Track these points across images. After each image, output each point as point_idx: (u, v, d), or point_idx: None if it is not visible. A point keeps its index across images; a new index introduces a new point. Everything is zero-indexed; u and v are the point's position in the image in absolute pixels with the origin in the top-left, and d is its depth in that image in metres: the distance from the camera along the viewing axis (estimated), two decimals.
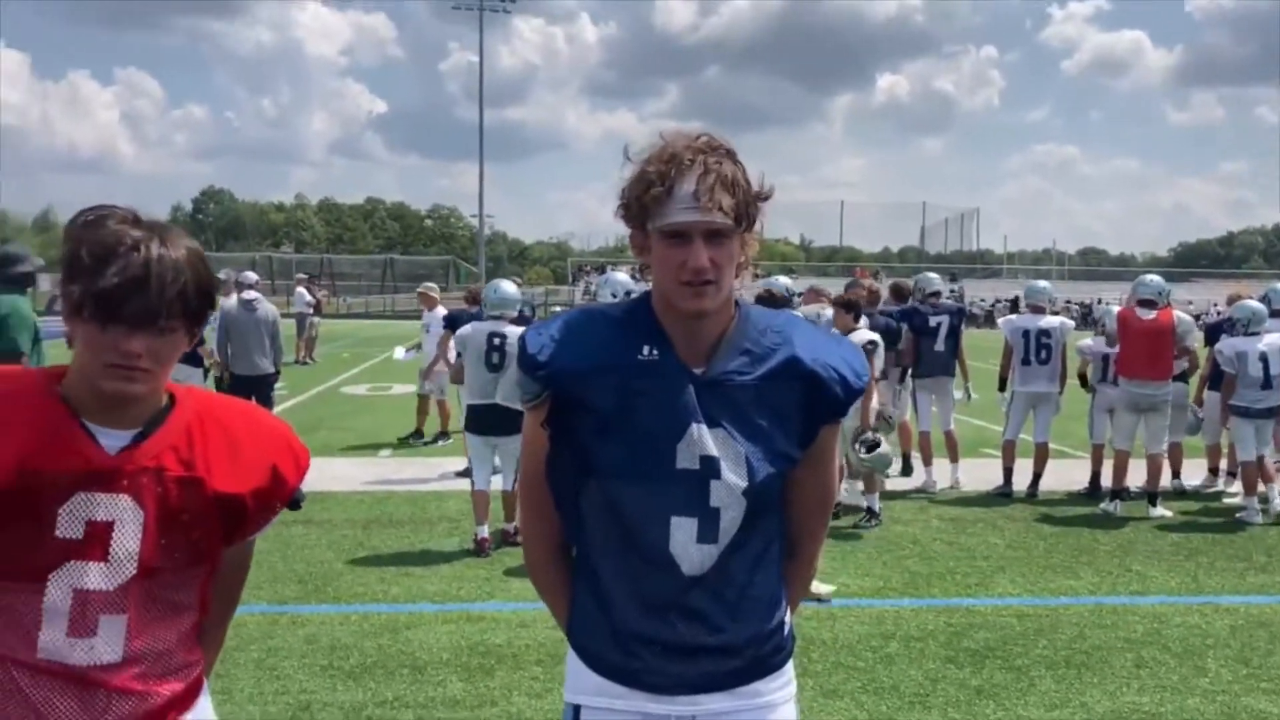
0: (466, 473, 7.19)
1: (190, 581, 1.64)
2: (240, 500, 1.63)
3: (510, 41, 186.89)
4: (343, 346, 26.44)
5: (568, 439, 1.77)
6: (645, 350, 1.73)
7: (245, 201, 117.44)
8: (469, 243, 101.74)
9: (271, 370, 9.11)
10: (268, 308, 9.22)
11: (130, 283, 1.47)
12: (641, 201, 1.68)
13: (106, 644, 1.55)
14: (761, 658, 1.81)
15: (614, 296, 7.11)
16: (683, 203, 1.64)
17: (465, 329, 7.12)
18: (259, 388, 9.01)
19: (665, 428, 1.72)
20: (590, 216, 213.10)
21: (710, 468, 1.71)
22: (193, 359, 9.36)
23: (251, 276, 10.94)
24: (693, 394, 1.72)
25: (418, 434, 11.35)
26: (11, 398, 1.53)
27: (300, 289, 22.95)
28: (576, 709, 1.82)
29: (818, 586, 5.92)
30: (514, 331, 6.88)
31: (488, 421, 6.84)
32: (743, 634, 1.78)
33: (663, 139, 1.70)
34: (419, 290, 12.06)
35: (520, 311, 7.61)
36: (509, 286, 7.32)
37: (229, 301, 9.54)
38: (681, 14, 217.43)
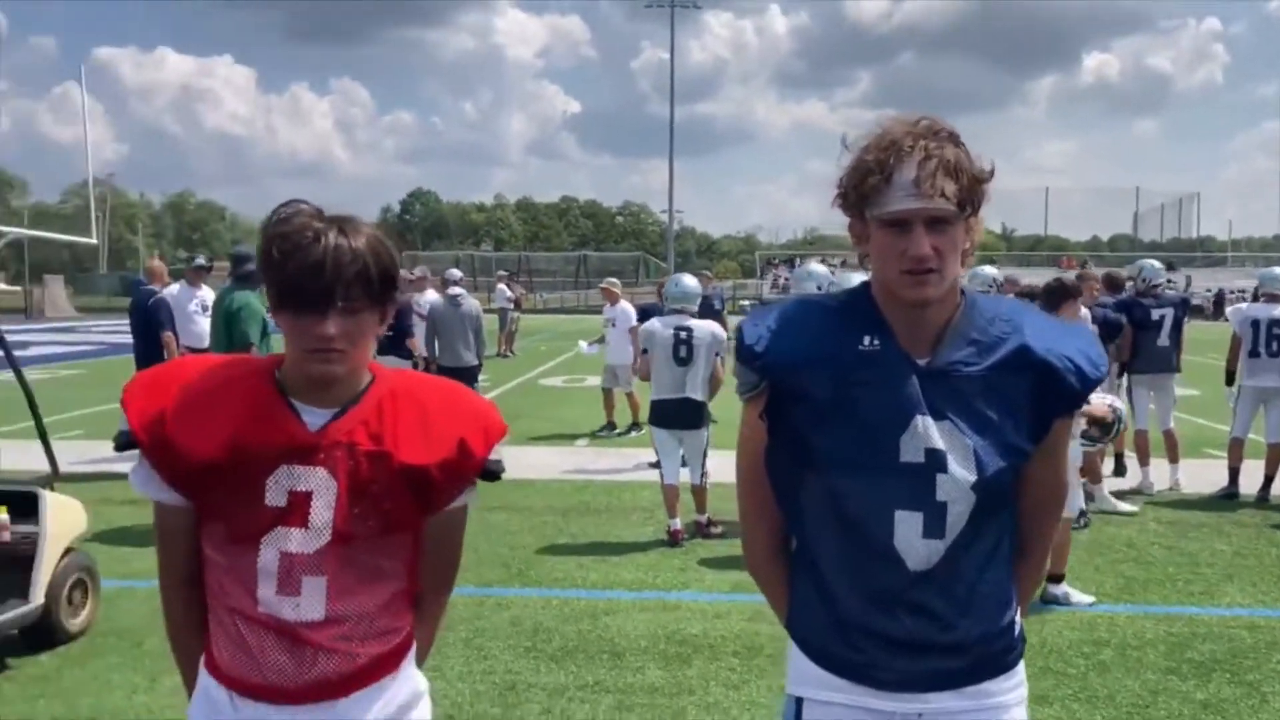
0: (658, 464, 7.28)
1: (389, 549, 1.73)
2: (426, 472, 1.70)
3: (701, 36, 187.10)
4: (540, 340, 27.23)
5: (786, 431, 1.76)
6: (866, 340, 1.69)
7: (449, 202, 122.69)
8: (658, 238, 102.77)
9: (475, 362, 9.49)
10: (471, 303, 9.62)
11: (310, 270, 1.59)
12: (860, 190, 1.65)
13: (310, 602, 1.68)
14: (992, 656, 1.76)
15: (818, 289, 7.03)
16: (903, 190, 1.60)
17: (650, 324, 7.19)
18: (463, 379, 9.36)
19: (887, 420, 1.68)
20: (778, 209, 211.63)
21: (936, 461, 1.66)
22: (401, 351, 9.89)
23: (457, 274, 11.43)
24: (916, 385, 1.67)
25: (609, 426, 11.57)
26: (233, 382, 1.69)
27: (501, 285, 23.86)
28: (799, 701, 1.80)
29: (1078, 596, 5.67)
30: (699, 325, 6.94)
31: (674, 415, 6.91)
32: (973, 632, 1.73)
33: (881, 126, 1.66)
34: (601, 285, 12.30)
35: (711, 305, 7.64)
36: (689, 280, 7.37)
37: (435, 297, 9.98)
38: (874, 1, 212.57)
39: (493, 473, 1.78)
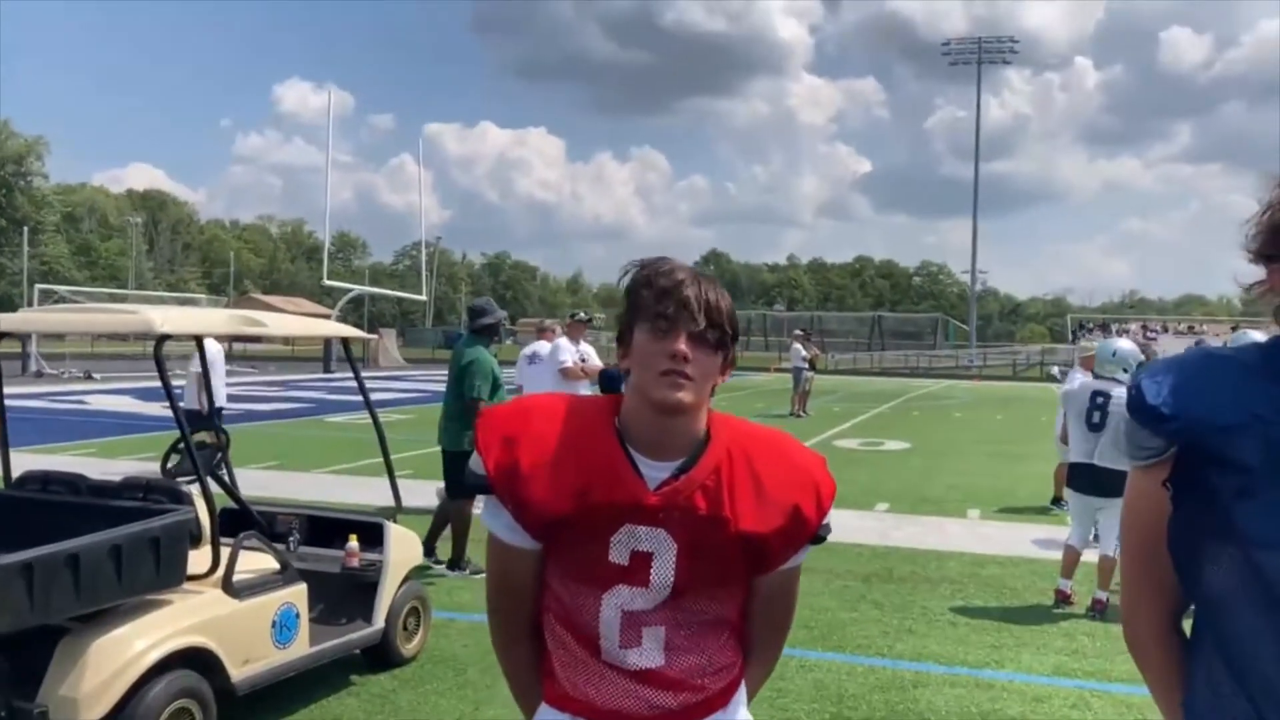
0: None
1: (720, 597, 1.75)
2: (763, 539, 1.69)
3: (999, 93, 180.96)
4: (833, 401, 26.92)
5: (1199, 500, 1.55)
6: None
7: (741, 263, 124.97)
8: (957, 299, 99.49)
9: None
10: None
11: (674, 292, 1.66)
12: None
13: (650, 651, 1.71)
14: None
15: None
16: None
17: (1071, 385, 7.29)
18: None
19: None
20: (1090, 270, 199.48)
21: None
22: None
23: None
24: None
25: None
26: (583, 432, 1.70)
27: (796, 345, 23.27)
28: None
29: None
30: (1118, 392, 6.67)
31: (1088, 481, 6.83)
32: None
33: None
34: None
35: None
36: (1124, 344, 7.25)
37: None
38: (1192, 50, 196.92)
39: (820, 537, 1.76)
